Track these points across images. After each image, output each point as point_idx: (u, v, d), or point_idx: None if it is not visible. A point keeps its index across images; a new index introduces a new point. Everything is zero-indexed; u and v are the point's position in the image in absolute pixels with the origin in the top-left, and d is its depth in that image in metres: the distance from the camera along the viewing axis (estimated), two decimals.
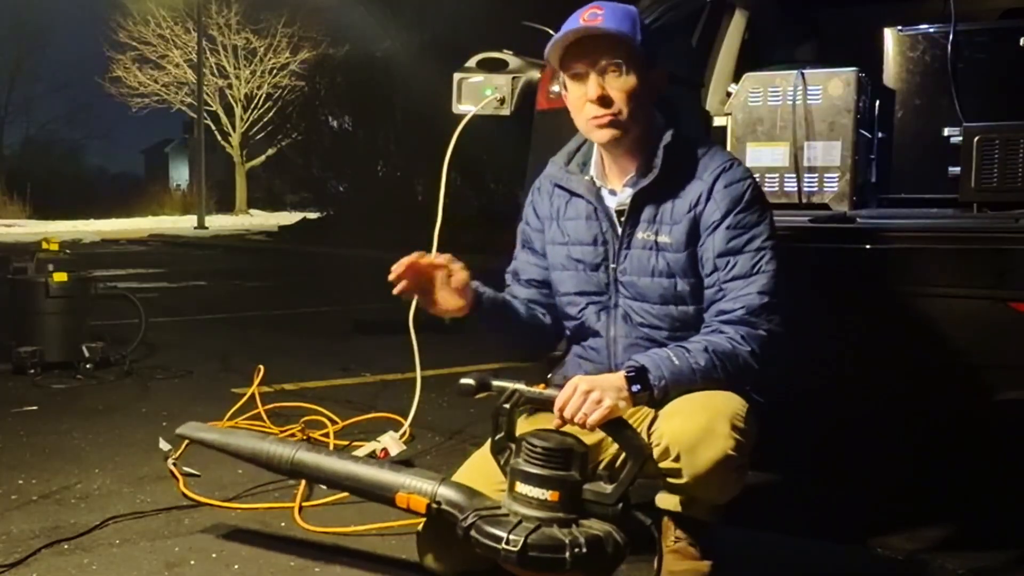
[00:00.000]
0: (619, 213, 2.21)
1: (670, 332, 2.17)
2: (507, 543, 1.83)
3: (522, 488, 1.92)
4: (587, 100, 2.13)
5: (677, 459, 1.98)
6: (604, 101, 2.11)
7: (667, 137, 2.17)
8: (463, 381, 2.04)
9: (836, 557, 2.68)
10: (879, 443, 3.19)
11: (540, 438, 1.94)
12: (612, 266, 2.22)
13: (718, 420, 1.97)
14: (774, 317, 2.08)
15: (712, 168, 2.15)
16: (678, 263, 2.15)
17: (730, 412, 1.99)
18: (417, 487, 2.04)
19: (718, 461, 1.95)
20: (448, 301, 2.13)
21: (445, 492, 2.01)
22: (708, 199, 2.13)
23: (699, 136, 2.30)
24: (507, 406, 2.00)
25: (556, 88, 2.21)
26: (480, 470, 2.15)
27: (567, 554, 1.83)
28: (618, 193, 2.23)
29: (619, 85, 2.11)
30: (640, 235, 2.18)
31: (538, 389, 2.00)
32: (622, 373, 1.99)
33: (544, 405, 1.99)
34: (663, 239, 2.16)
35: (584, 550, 1.84)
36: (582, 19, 2.10)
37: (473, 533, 1.90)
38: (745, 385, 2.10)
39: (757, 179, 3.19)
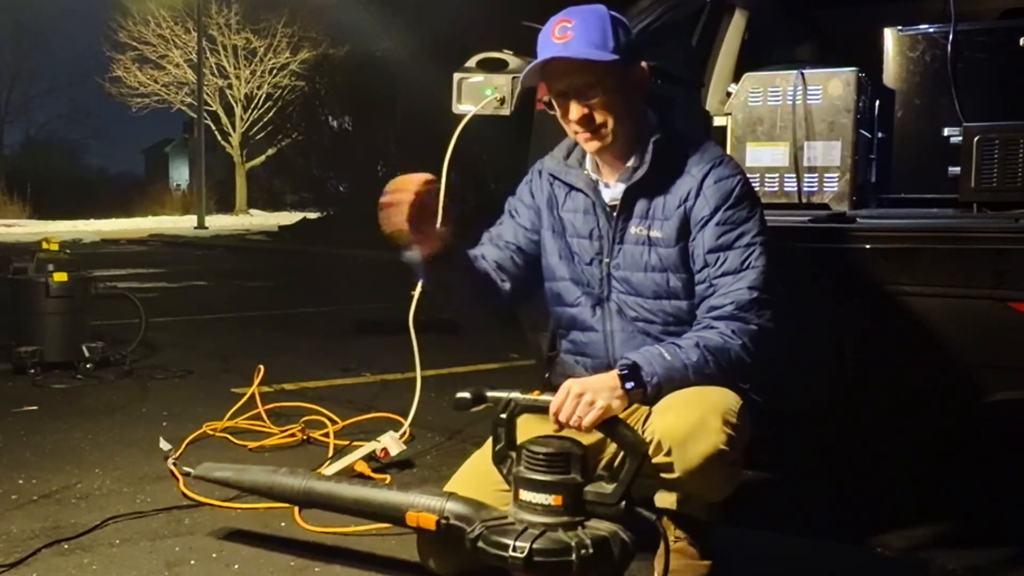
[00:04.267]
0: (612, 208, 2.22)
1: (663, 327, 2.18)
2: (513, 550, 1.85)
3: (525, 495, 1.94)
4: (569, 120, 2.15)
5: (669, 453, 1.99)
6: (585, 121, 2.13)
7: (657, 133, 2.19)
8: (459, 395, 2.06)
9: (836, 557, 2.68)
10: (879, 443, 3.18)
11: (539, 444, 1.96)
12: (606, 261, 2.22)
13: (710, 415, 1.97)
14: (765, 312, 2.08)
15: (702, 164, 2.16)
16: (670, 258, 2.16)
17: (723, 407, 2.00)
18: (425, 505, 2.07)
19: (709, 456, 1.96)
20: (435, 233, 2.05)
21: (453, 507, 2.03)
22: (698, 195, 2.14)
23: (692, 132, 2.30)
24: (504, 416, 2.02)
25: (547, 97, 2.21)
26: (476, 475, 2.16)
27: (573, 556, 1.84)
28: (611, 187, 2.24)
29: (597, 103, 2.12)
30: (633, 230, 2.19)
31: (533, 396, 2.02)
32: (615, 372, 2.01)
33: (540, 411, 2.01)
34: (655, 234, 2.17)
35: (590, 551, 1.85)
36: (553, 36, 2.10)
37: (481, 544, 1.92)
38: (739, 380, 2.11)
39: (757, 179, 3.22)
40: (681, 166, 2.18)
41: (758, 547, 2.68)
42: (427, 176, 2.04)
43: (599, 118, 2.12)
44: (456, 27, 14.23)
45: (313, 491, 2.34)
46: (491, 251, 2.34)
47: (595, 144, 2.17)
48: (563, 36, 2.08)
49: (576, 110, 2.12)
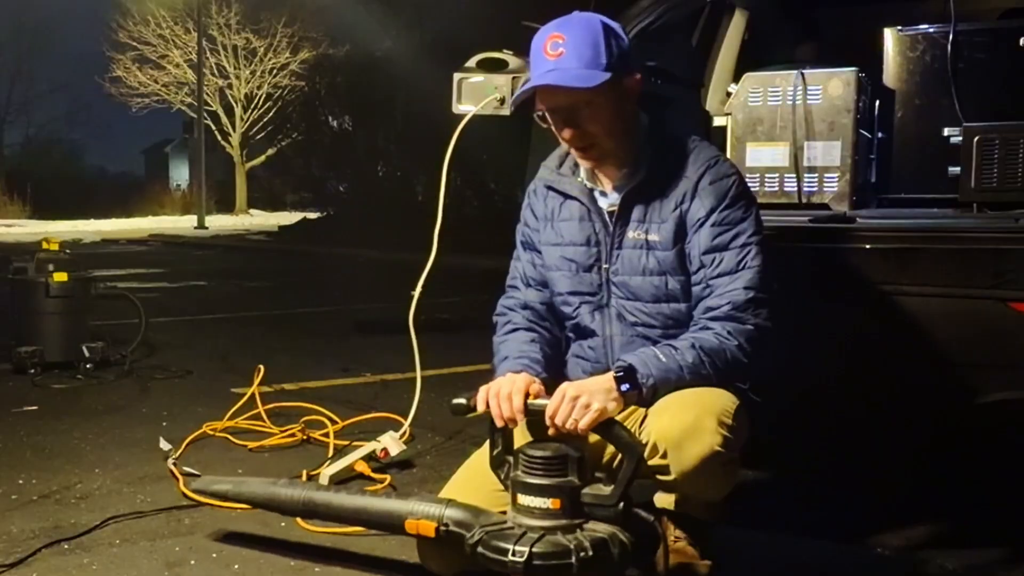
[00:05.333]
0: (610, 214, 2.22)
1: (663, 330, 2.17)
2: (513, 555, 1.85)
3: (524, 499, 1.94)
4: (562, 137, 2.16)
5: (664, 455, 1.99)
6: (577, 138, 2.13)
7: (652, 137, 2.19)
8: (455, 401, 2.07)
9: (835, 556, 2.67)
10: (879, 443, 3.18)
11: (535, 448, 1.96)
12: (605, 266, 2.22)
13: (705, 416, 1.97)
14: (761, 312, 2.08)
15: (697, 165, 2.16)
16: (668, 261, 2.15)
17: (718, 408, 2.00)
18: (424, 512, 2.07)
19: (705, 457, 1.96)
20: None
21: (451, 513, 2.03)
22: (693, 196, 2.14)
23: (689, 133, 2.29)
24: None
25: None
26: (472, 481, 2.16)
27: (573, 559, 1.84)
28: (609, 195, 2.23)
29: (589, 117, 2.11)
30: (631, 234, 2.18)
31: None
32: (611, 374, 2.01)
33: (536, 415, 2.01)
34: (653, 237, 2.16)
35: (590, 553, 1.85)
36: (545, 52, 2.09)
37: (480, 549, 1.92)
38: (736, 380, 2.10)
39: (757, 179, 3.23)
40: (676, 168, 2.17)
41: (758, 547, 2.68)
42: (527, 387, 2.04)
43: (591, 136, 2.13)
44: (456, 27, 14.23)
45: (312, 502, 2.36)
46: (533, 294, 2.34)
47: (589, 162, 2.19)
48: (555, 53, 2.07)
49: (568, 129, 2.13)
